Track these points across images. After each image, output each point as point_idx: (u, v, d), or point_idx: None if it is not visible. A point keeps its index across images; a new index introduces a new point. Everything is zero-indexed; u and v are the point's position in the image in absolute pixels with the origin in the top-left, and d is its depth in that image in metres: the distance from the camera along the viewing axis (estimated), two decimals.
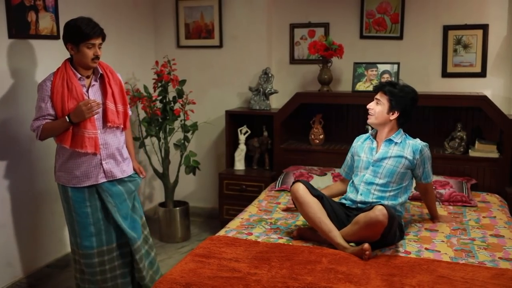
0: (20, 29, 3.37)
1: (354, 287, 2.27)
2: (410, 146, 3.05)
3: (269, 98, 4.53)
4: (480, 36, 4.18)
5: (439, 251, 2.73)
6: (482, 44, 4.18)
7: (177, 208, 4.44)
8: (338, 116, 4.54)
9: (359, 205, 3.02)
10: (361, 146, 3.21)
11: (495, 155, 3.91)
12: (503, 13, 4.13)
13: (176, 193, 4.62)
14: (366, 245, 2.64)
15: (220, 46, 4.79)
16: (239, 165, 4.57)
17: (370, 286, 2.26)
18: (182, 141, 4.42)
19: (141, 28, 4.81)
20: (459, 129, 4.05)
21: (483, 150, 3.95)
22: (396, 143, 3.06)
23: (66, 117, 2.82)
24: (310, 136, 4.45)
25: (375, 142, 3.16)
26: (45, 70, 3.61)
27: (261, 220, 3.26)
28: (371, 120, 3.10)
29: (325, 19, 4.59)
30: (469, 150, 4.02)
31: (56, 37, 3.65)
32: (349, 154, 3.32)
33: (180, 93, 4.36)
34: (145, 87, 4.33)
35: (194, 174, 4.50)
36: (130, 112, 3.23)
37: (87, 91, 2.94)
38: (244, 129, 4.57)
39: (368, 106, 3.12)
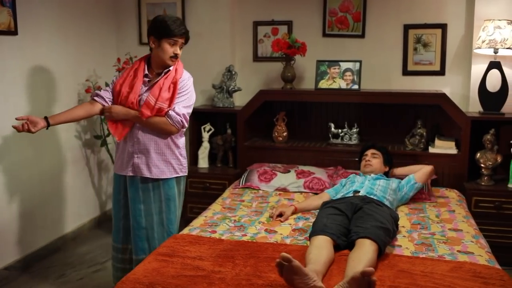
0: None
1: None
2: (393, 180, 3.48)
3: (232, 96, 4.52)
4: (439, 35, 4.28)
5: (400, 246, 2.78)
6: (441, 43, 4.28)
7: None
8: (301, 113, 4.57)
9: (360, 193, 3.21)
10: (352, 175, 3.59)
11: (454, 151, 4.00)
12: (461, 13, 4.23)
13: None
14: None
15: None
16: (203, 163, 4.54)
17: (333, 282, 2.28)
18: None
19: (103, 24, 4.73)
20: (419, 126, 4.13)
21: (442, 147, 4.04)
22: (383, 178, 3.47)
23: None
24: (274, 133, 4.47)
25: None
26: (2, 66, 3.51)
27: (225, 218, 3.25)
28: (370, 169, 3.55)
29: (289, 17, 4.61)
30: (429, 147, 4.11)
31: (14, 33, 3.55)
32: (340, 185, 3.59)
33: None
34: (107, 85, 4.24)
35: None
36: (180, 111, 2.90)
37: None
38: (208, 126, 4.55)
39: (368, 159, 3.61)
